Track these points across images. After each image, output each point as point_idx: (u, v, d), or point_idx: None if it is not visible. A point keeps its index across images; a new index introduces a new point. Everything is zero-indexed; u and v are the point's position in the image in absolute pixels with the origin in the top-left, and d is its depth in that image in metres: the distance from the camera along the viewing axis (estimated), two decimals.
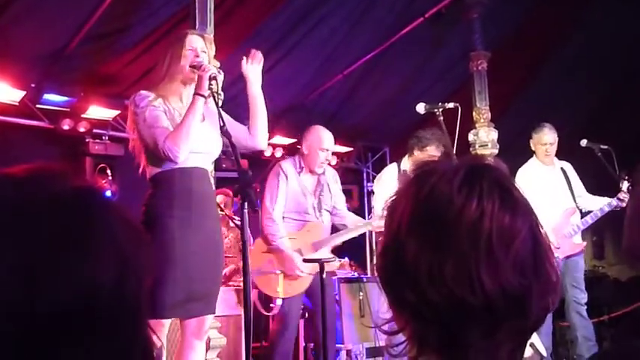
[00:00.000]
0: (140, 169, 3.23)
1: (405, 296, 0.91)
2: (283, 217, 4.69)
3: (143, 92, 3.15)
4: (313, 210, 4.77)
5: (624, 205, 5.20)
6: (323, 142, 4.74)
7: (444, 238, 0.89)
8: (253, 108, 3.43)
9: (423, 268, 0.88)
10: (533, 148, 5.66)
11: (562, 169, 5.66)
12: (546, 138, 5.55)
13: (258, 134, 3.42)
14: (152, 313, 2.90)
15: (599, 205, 5.41)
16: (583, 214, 5.56)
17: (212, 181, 3.42)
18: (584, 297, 5.41)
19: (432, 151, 4.88)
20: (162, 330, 3.00)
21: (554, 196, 5.47)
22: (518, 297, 0.88)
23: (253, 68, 3.40)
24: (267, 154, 7.86)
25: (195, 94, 3.08)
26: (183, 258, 3.00)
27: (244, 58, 3.43)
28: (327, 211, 4.87)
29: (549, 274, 0.92)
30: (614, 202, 5.28)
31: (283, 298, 4.65)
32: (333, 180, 4.96)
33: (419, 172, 0.98)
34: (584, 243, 5.59)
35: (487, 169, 0.95)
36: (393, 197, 1.00)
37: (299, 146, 4.85)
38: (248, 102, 3.44)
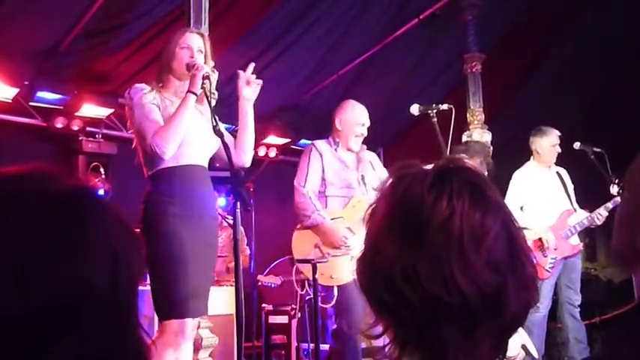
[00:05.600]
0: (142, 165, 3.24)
1: (383, 299, 0.92)
2: (327, 196, 4.35)
3: (137, 85, 3.18)
4: (358, 184, 4.41)
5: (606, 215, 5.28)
6: (358, 116, 4.48)
7: (417, 238, 0.90)
8: (243, 125, 3.35)
9: (398, 268, 0.89)
10: (539, 151, 5.58)
11: (558, 173, 5.68)
12: (556, 139, 5.57)
13: (243, 151, 3.35)
14: (173, 313, 2.96)
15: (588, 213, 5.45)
16: None
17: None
18: (577, 299, 5.42)
19: (476, 164, 4.64)
20: (187, 330, 3.01)
21: (552, 197, 5.49)
22: (494, 294, 0.88)
23: (251, 89, 3.34)
24: (261, 153, 7.85)
25: (188, 91, 3.09)
26: (187, 257, 3.01)
27: (241, 73, 3.34)
28: (374, 189, 4.63)
29: (526, 269, 0.93)
30: (609, 204, 5.30)
31: (339, 287, 4.13)
32: (376, 160, 4.65)
33: (394, 176, 0.99)
34: (581, 244, 5.60)
35: (458, 169, 0.97)
36: (373, 203, 1.02)
37: (334, 123, 4.52)
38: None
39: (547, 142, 5.58)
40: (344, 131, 4.46)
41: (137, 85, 3.19)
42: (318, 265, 3.97)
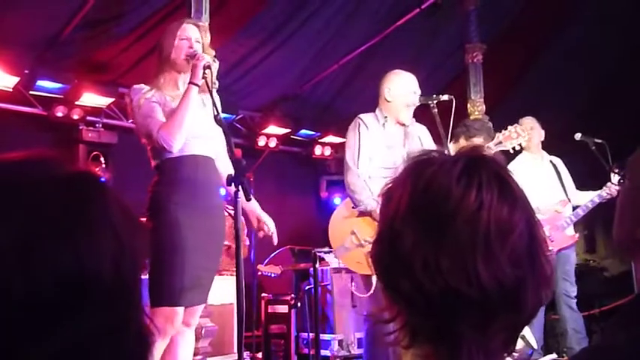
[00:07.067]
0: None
1: (399, 285, 0.91)
2: (369, 177, 4.02)
3: (137, 86, 3.21)
4: (403, 164, 4.03)
5: (614, 195, 5.21)
6: (410, 83, 4.12)
7: (442, 229, 0.89)
8: None
9: (419, 257, 0.88)
10: None
11: (552, 162, 5.66)
12: (527, 124, 5.55)
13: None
14: (164, 300, 2.96)
15: (589, 197, 5.41)
16: (573, 208, 5.56)
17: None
18: (574, 290, 5.42)
19: (480, 143, 4.57)
20: (177, 318, 3.00)
21: (545, 188, 5.47)
22: (513, 290, 0.88)
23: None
24: (261, 143, 7.85)
25: (190, 83, 3.09)
26: (188, 245, 3.01)
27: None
28: None
29: (544, 267, 0.92)
30: (603, 193, 5.28)
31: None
32: (425, 135, 4.24)
33: (416, 162, 0.97)
34: (577, 235, 5.59)
35: (485, 160, 0.95)
36: (389, 185, 0.99)
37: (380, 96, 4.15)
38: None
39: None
40: (395, 102, 4.09)
41: (136, 86, 3.22)
42: (355, 252, 3.88)
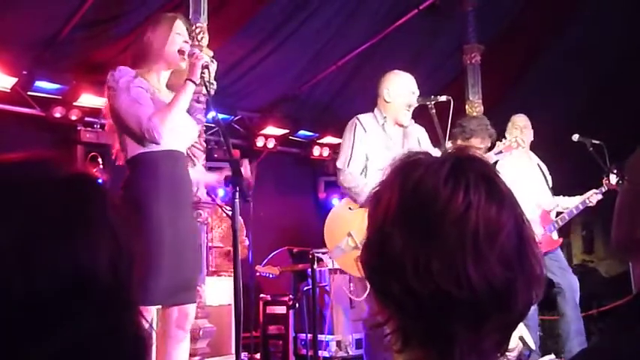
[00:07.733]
0: (113, 153, 3.16)
1: (389, 288, 0.90)
2: (366, 176, 3.98)
3: (123, 68, 3.08)
4: None
5: (594, 204, 5.27)
6: (409, 84, 4.08)
7: (431, 231, 0.88)
8: None
9: (409, 260, 0.88)
10: None
11: (538, 165, 5.66)
12: (517, 122, 5.55)
13: None
14: (142, 299, 2.88)
15: (572, 203, 5.42)
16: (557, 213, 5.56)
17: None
18: (576, 282, 5.37)
19: (477, 144, 4.60)
20: (148, 317, 2.95)
21: (534, 187, 5.45)
22: (503, 290, 0.88)
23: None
24: (260, 144, 7.85)
25: (188, 80, 3.06)
26: (170, 243, 2.94)
27: None
28: None
29: (534, 267, 0.92)
30: (585, 200, 5.31)
31: None
32: (424, 136, 4.22)
33: (403, 164, 0.97)
34: (561, 240, 5.57)
35: (473, 161, 0.95)
36: (377, 188, 0.99)
37: (378, 96, 4.12)
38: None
39: (510, 126, 5.55)
40: (394, 103, 4.05)
41: (122, 67, 3.08)
42: (352, 254, 3.82)
